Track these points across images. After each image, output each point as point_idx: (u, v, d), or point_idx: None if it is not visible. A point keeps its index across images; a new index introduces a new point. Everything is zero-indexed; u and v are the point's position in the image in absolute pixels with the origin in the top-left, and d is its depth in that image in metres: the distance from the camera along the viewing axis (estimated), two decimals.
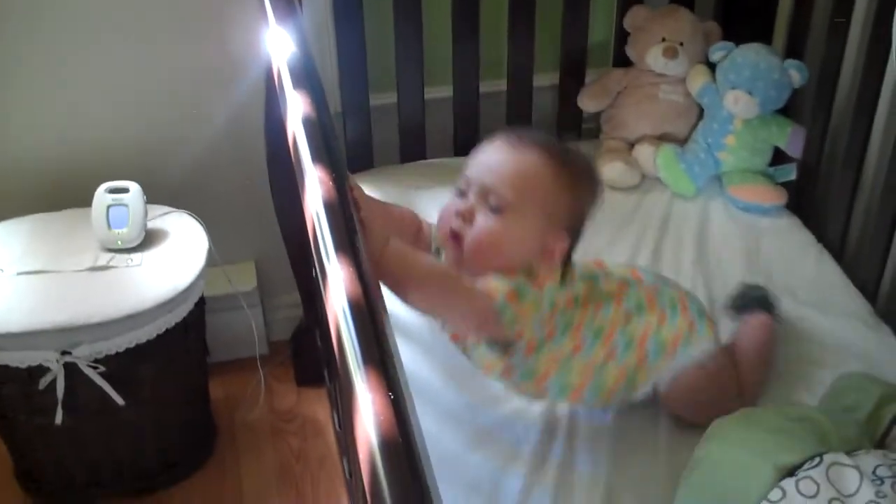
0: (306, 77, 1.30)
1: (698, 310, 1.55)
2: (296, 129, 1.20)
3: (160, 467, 2.04)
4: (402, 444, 0.83)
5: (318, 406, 2.26)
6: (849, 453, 1.34)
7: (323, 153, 1.15)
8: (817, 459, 1.31)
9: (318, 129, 1.19)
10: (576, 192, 1.40)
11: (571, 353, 1.43)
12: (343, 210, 1.08)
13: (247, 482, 2.09)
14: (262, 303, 2.31)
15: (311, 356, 2.20)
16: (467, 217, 1.36)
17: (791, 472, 1.31)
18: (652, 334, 1.48)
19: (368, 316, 0.95)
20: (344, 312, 0.95)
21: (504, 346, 1.39)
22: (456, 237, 1.37)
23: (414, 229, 1.49)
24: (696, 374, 1.51)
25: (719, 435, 1.40)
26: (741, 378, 1.59)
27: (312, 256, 1.10)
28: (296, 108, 1.23)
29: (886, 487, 1.28)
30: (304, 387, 2.30)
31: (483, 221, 1.35)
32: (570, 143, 1.48)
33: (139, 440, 1.97)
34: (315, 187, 1.09)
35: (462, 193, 1.39)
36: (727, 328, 1.70)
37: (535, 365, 1.42)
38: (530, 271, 1.37)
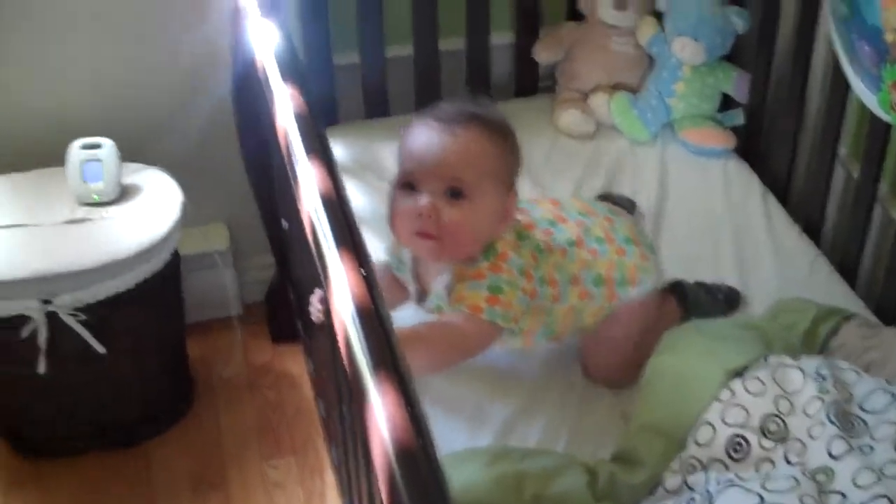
0: (276, 12, 1.37)
1: (650, 244, 1.64)
2: (265, 57, 1.27)
3: (141, 419, 2.09)
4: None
5: (292, 361, 2.32)
6: (792, 357, 1.43)
7: (294, 73, 1.22)
8: (762, 360, 1.41)
9: (287, 54, 1.26)
10: (514, 152, 1.47)
11: (552, 304, 1.48)
12: (313, 120, 1.15)
13: (226, 433, 2.15)
14: (235, 265, 2.36)
15: (285, 314, 2.26)
16: (432, 215, 1.37)
17: (739, 373, 1.40)
18: (616, 268, 1.53)
19: (339, 208, 1.03)
20: (316, 211, 1.03)
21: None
22: (429, 236, 1.39)
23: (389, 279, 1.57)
24: (627, 315, 1.57)
25: (671, 345, 1.48)
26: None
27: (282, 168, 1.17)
28: (266, 37, 1.30)
29: (828, 384, 1.37)
30: (279, 343, 2.36)
31: (452, 214, 1.38)
32: (482, 99, 1.51)
33: (120, 391, 2.02)
34: (286, 102, 1.17)
35: (410, 189, 1.40)
36: None
37: (523, 325, 1.47)
38: (492, 247, 1.43)
